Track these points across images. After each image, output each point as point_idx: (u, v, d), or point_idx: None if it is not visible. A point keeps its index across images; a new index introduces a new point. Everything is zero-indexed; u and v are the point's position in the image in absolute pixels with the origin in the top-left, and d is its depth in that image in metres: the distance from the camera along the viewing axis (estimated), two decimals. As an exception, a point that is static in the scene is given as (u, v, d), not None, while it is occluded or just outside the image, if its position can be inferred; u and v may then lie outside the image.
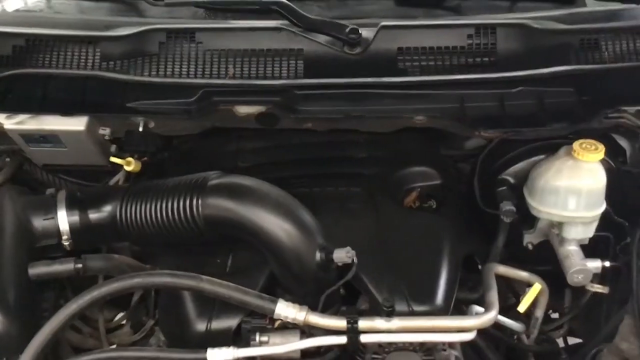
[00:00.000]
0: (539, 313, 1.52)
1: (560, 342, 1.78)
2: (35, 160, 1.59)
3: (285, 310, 1.16)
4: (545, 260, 1.53)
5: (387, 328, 1.17)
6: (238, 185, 1.29)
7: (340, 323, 1.17)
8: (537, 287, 1.43)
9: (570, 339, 1.80)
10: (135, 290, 1.39)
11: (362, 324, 1.17)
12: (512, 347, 1.56)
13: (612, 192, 1.48)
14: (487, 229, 1.54)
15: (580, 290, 1.62)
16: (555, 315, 1.75)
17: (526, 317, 1.57)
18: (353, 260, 1.19)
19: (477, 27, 1.47)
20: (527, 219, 1.53)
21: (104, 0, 1.70)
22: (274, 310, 1.16)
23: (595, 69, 1.45)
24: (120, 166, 1.55)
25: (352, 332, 1.17)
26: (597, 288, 1.53)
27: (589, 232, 1.42)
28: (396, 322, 1.17)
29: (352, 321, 1.17)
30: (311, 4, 1.61)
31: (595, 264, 1.42)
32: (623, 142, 1.62)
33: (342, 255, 1.19)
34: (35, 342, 1.13)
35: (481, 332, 1.41)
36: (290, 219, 1.23)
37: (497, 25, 1.48)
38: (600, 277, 1.53)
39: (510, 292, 1.64)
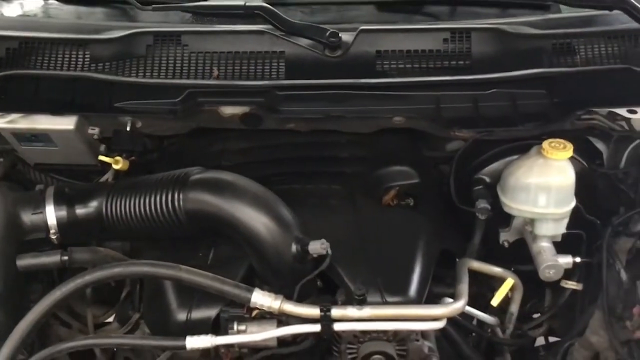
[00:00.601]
0: (514, 308, 1.56)
1: (542, 341, 1.82)
2: (27, 159, 1.64)
3: (261, 298, 1.20)
4: (526, 261, 1.58)
5: (359, 316, 1.21)
6: (218, 180, 1.34)
7: (314, 311, 1.21)
8: (509, 282, 1.47)
9: (551, 338, 1.84)
10: (116, 279, 1.43)
11: (335, 312, 1.21)
12: (490, 342, 1.60)
13: (586, 193, 1.53)
14: (465, 227, 1.59)
15: (558, 290, 1.67)
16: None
17: (503, 314, 1.61)
18: (327, 251, 1.23)
19: (453, 31, 1.53)
20: (503, 218, 1.58)
21: (95, 5, 1.75)
22: (249, 299, 1.20)
23: (565, 71, 1.51)
24: (109, 165, 1.60)
25: (325, 320, 1.21)
26: (571, 285, 1.58)
27: (560, 228, 1.46)
28: (368, 311, 1.22)
29: (325, 309, 1.21)
30: (295, 9, 1.67)
31: (566, 260, 1.46)
32: (600, 145, 1.67)
33: (317, 246, 1.24)
34: (20, 327, 1.18)
35: (456, 325, 1.46)
36: (267, 213, 1.28)
37: (471, 30, 1.53)
38: (574, 274, 1.58)
39: (490, 291, 1.69)
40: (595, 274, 1.50)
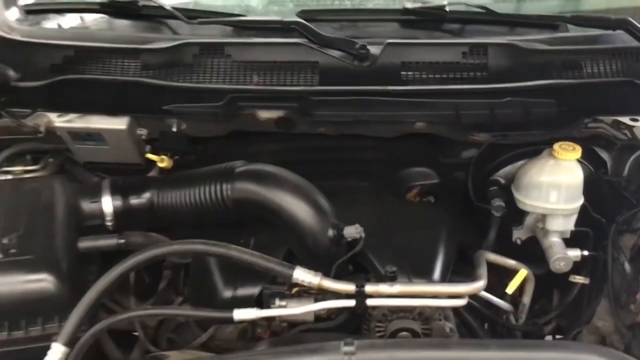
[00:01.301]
0: (526, 299, 1.69)
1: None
2: (78, 158, 1.78)
3: (302, 275, 1.33)
4: (535, 262, 1.71)
5: (390, 292, 1.34)
6: (261, 171, 1.49)
7: (349, 287, 1.35)
8: (523, 272, 1.60)
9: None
10: (173, 255, 1.55)
11: (369, 288, 1.34)
12: (503, 330, 1.72)
13: (592, 195, 1.68)
14: (480, 224, 1.73)
15: (566, 288, 1.80)
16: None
17: (515, 307, 1.74)
18: (361, 235, 1.37)
19: (472, 46, 1.69)
20: (516, 217, 1.72)
21: (143, 20, 1.92)
22: (292, 275, 1.33)
23: (572, 83, 1.66)
24: (154, 163, 1.75)
25: (360, 295, 1.34)
26: (579, 279, 1.71)
27: (569, 224, 1.60)
28: (398, 287, 1.34)
29: (359, 285, 1.35)
30: (326, 25, 1.83)
31: (575, 253, 1.60)
32: (604, 155, 1.81)
33: (352, 231, 1.38)
34: (84, 301, 1.30)
35: (472, 311, 1.59)
36: (306, 200, 1.43)
37: (488, 45, 1.69)
38: (582, 269, 1.71)
39: (503, 287, 1.82)
40: (601, 268, 1.64)
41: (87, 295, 1.31)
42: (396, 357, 1.11)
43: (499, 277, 1.71)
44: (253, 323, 1.49)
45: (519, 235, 1.72)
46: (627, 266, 1.56)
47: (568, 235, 1.64)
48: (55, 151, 1.80)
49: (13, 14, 1.94)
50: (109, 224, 1.55)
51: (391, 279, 1.35)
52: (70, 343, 1.25)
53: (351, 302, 1.34)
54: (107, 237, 1.51)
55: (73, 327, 1.27)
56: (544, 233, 1.63)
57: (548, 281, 1.76)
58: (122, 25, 1.94)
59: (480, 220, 1.73)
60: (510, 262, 1.64)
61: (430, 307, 1.42)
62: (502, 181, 1.72)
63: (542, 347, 1.22)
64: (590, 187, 1.65)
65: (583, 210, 1.63)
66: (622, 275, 1.57)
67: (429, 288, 1.39)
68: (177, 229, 1.58)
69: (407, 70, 1.67)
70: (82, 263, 1.48)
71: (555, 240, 1.61)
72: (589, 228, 1.67)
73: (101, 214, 1.55)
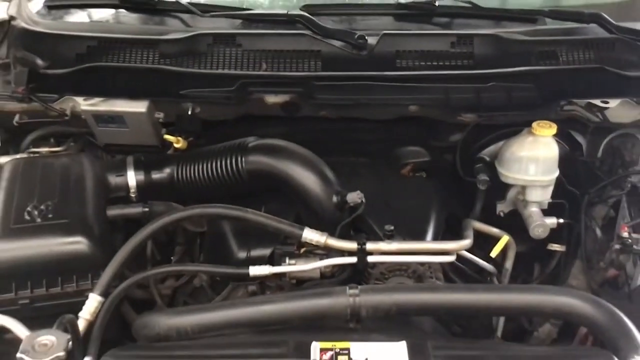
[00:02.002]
0: (508, 264, 1.86)
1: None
2: (99, 140, 1.93)
3: (310, 234, 1.50)
4: (518, 242, 1.89)
5: (388, 249, 1.52)
6: (273, 145, 1.66)
7: (352, 245, 1.52)
8: (505, 238, 1.78)
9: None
10: (194, 218, 1.72)
11: (369, 245, 1.52)
12: None
13: (568, 172, 1.86)
14: (468, 199, 1.91)
15: (545, 261, 1.98)
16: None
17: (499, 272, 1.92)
18: (362, 200, 1.55)
19: (459, 36, 1.87)
20: (500, 193, 1.91)
21: (160, 14, 2.09)
22: (302, 235, 1.50)
23: (549, 69, 1.85)
24: (169, 145, 1.92)
25: (361, 252, 1.51)
26: (556, 247, 1.89)
27: (546, 195, 1.78)
28: (395, 245, 1.52)
29: (361, 243, 1.52)
30: (327, 18, 2.00)
31: (551, 220, 1.78)
32: (580, 139, 2.00)
33: (354, 196, 1.56)
34: (117, 258, 1.47)
35: (458, 272, 1.76)
36: (313, 170, 1.61)
37: (474, 35, 1.88)
38: (558, 238, 1.89)
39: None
40: (576, 235, 1.82)
41: (119, 252, 1.47)
42: (395, 298, 1.29)
43: (484, 252, 1.89)
44: (263, 285, 1.66)
45: (502, 208, 1.90)
46: (598, 232, 1.74)
47: (546, 206, 1.82)
48: (77, 135, 1.97)
49: (37, 9, 2.11)
50: (132, 195, 1.72)
51: (389, 237, 1.52)
52: (104, 294, 1.42)
53: (353, 259, 1.52)
54: (132, 205, 1.68)
55: (108, 279, 1.43)
56: (524, 204, 1.81)
57: (529, 257, 1.95)
58: (139, 18, 2.11)
59: (467, 195, 1.91)
60: (494, 230, 1.81)
61: (422, 266, 1.59)
62: (487, 159, 1.90)
63: (524, 290, 1.40)
64: (566, 165, 1.83)
65: (559, 184, 1.82)
66: (594, 241, 1.76)
67: (422, 245, 1.56)
68: (195, 202, 1.75)
69: (401, 58, 1.85)
70: (110, 230, 1.65)
71: (534, 210, 1.79)
72: (564, 200, 1.85)
73: (126, 187, 1.72)
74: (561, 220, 1.79)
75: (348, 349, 1.18)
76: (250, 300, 1.46)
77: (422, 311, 1.36)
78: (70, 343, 1.19)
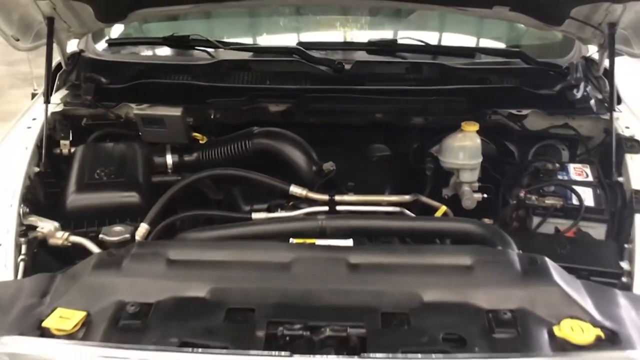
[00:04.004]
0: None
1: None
2: (144, 138, 2.56)
3: (295, 189, 2.12)
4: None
5: (351, 200, 2.13)
6: (271, 131, 2.32)
7: (325, 197, 2.13)
8: (443, 208, 2.37)
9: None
10: (215, 178, 2.32)
11: (338, 197, 2.13)
12: None
13: (493, 163, 2.48)
14: (419, 185, 2.53)
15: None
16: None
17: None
18: (333, 168, 2.18)
19: (412, 64, 2.55)
20: (444, 181, 2.52)
21: (191, 49, 2.79)
22: (289, 189, 2.13)
23: (478, 87, 2.51)
24: (197, 140, 2.57)
25: (332, 203, 2.12)
26: (486, 220, 2.48)
27: (474, 176, 2.38)
28: (355, 197, 2.14)
29: (331, 195, 2.13)
30: (315, 51, 2.69)
31: (477, 195, 2.37)
32: (512, 147, 2.64)
33: (328, 165, 2.19)
34: (160, 201, 2.09)
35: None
36: (299, 148, 2.25)
37: (423, 63, 2.56)
38: (488, 213, 2.48)
39: None
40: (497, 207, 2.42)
41: (160, 199, 2.10)
42: (352, 223, 1.90)
43: None
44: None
45: (446, 192, 2.50)
46: (511, 203, 2.34)
47: (476, 188, 2.43)
48: (127, 136, 2.63)
49: (101, 46, 2.84)
50: (169, 171, 2.37)
51: (350, 190, 2.14)
52: (152, 224, 2.03)
53: (325, 208, 2.13)
54: (169, 175, 2.32)
55: (153, 215, 2.05)
56: (459, 185, 2.42)
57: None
58: (175, 51, 2.82)
59: (419, 182, 2.53)
60: (436, 203, 2.41)
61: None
62: (434, 154, 2.53)
63: (440, 219, 2.00)
64: (490, 156, 2.46)
65: (485, 171, 2.43)
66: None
67: (379, 197, 2.18)
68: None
69: (369, 78, 2.52)
70: (154, 191, 2.28)
71: (466, 188, 2.39)
72: (491, 184, 2.46)
73: (165, 165, 2.37)
74: (485, 195, 2.39)
75: (314, 242, 1.80)
76: (254, 222, 2.07)
77: (365, 232, 1.95)
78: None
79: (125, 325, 1.48)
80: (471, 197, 2.37)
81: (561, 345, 1.44)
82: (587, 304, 1.54)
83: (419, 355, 1.37)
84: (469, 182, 2.40)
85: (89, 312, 1.51)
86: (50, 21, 2.40)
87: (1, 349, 1.41)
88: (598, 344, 1.45)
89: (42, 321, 1.48)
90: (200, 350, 1.38)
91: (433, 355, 1.37)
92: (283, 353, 1.35)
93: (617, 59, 2.51)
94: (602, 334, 1.46)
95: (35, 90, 2.71)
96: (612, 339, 1.47)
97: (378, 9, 2.95)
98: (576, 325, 1.48)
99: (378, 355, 1.36)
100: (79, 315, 1.51)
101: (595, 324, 1.48)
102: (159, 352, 1.39)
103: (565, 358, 1.44)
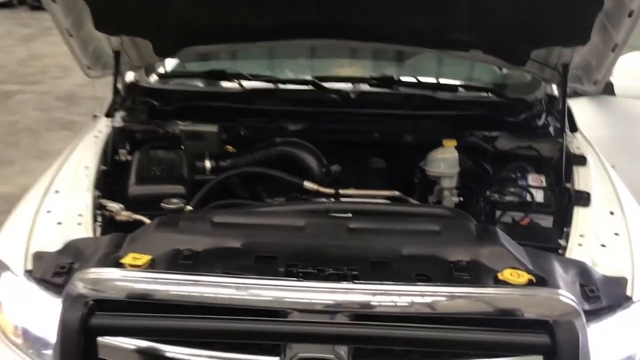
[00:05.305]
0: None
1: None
2: (186, 150, 3.18)
3: (308, 184, 2.70)
4: None
5: (351, 193, 2.70)
6: (290, 140, 2.91)
7: (332, 190, 2.70)
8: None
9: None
10: (243, 174, 2.91)
11: (341, 191, 2.70)
12: None
13: (469, 176, 3.04)
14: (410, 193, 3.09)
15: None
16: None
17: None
18: (339, 169, 2.76)
19: (405, 94, 3.17)
20: (430, 189, 3.08)
21: (226, 81, 3.44)
22: (303, 184, 2.71)
23: (456, 114, 3.10)
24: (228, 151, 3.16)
25: (336, 195, 2.69)
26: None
27: (453, 183, 2.95)
28: (356, 191, 2.71)
29: (336, 189, 2.70)
30: (327, 83, 3.31)
31: (455, 199, 2.93)
32: (488, 167, 3.21)
33: (335, 167, 2.78)
34: (202, 191, 2.68)
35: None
36: (312, 153, 2.84)
37: (414, 95, 3.17)
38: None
39: None
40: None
41: (201, 189, 2.69)
42: (349, 206, 2.46)
43: None
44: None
45: (431, 199, 3.06)
46: (481, 204, 2.89)
47: (455, 193, 2.98)
48: (173, 148, 3.23)
49: (153, 78, 3.49)
50: (207, 173, 2.96)
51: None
52: (194, 207, 2.61)
53: (332, 199, 2.70)
54: (208, 175, 2.91)
55: (196, 201, 2.63)
56: (441, 191, 2.98)
57: None
58: (209, 82, 3.47)
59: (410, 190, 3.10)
60: (413, 201, 2.96)
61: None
62: (422, 166, 3.10)
63: (421, 205, 2.56)
64: (467, 170, 3.03)
65: (463, 180, 3.00)
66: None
67: (373, 192, 2.74)
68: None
69: (370, 105, 3.13)
70: (197, 187, 2.85)
71: (446, 193, 2.96)
72: (467, 191, 3.02)
73: (204, 168, 2.96)
74: (461, 199, 2.94)
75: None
76: (277, 203, 2.64)
77: (359, 213, 2.49)
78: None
79: (180, 263, 2.03)
80: (450, 200, 2.93)
81: (501, 284, 1.97)
82: (526, 260, 2.08)
83: (393, 283, 1.90)
84: (449, 187, 2.96)
85: (154, 257, 2.06)
86: (116, 54, 3.04)
87: (89, 276, 1.95)
88: (529, 285, 1.98)
89: (118, 260, 2.03)
90: (237, 275, 1.92)
91: (402, 283, 1.91)
92: (296, 279, 1.90)
93: (581, 102, 3.12)
94: (533, 279, 1.98)
95: (96, 113, 3.34)
96: (541, 282, 2.00)
97: (380, 53, 3.58)
98: (514, 272, 2.00)
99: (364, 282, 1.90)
100: (147, 257, 2.05)
101: (529, 272, 2.01)
102: (206, 277, 1.93)
103: (501, 289, 1.96)
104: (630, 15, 2.44)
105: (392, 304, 1.83)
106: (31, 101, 9.32)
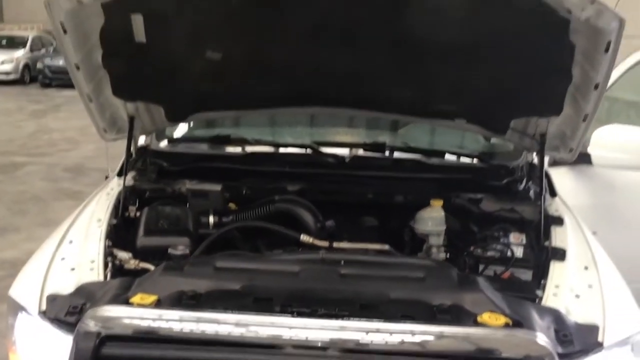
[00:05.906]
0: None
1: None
2: (191, 207, 3.39)
3: (304, 237, 2.90)
4: None
5: (344, 246, 2.90)
6: (288, 198, 3.13)
7: (325, 243, 2.90)
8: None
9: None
10: (244, 226, 3.11)
11: (335, 244, 2.90)
12: None
13: (454, 233, 3.25)
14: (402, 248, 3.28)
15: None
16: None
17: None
18: (333, 224, 2.98)
19: (395, 159, 3.42)
20: (420, 246, 3.28)
21: (230, 145, 3.71)
22: (300, 237, 2.91)
23: (443, 177, 3.35)
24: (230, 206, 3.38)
25: (330, 247, 2.89)
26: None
27: (439, 241, 3.15)
28: (348, 244, 2.90)
29: (331, 242, 2.90)
30: (324, 147, 3.58)
31: (442, 254, 3.13)
32: (474, 227, 3.43)
33: (329, 223, 2.99)
34: (204, 244, 2.88)
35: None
36: (309, 210, 3.06)
37: (404, 159, 3.43)
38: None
39: None
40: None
41: (205, 241, 2.90)
42: (341, 256, 2.66)
43: None
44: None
45: (421, 255, 3.26)
46: (466, 259, 3.09)
47: (442, 250, 3.17)
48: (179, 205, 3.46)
49: (163, 143, 3.77)
50: (210, 228, 3.17)
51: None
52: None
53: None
54: (212, 230, 3.12)
55: (200, 251, 2.84)
56: (429, 248, 3.18)
57: None
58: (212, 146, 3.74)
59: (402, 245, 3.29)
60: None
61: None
62: (411, 225, 3.31)
63: (409, 258, 2.76)
64: (452, 227, 3.24)
65: (450, 238, 3.20)
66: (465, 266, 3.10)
67: (366, 246, 2.93)
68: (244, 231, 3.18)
69: (364, 168, 3.38)
70: (200, 239, 3.06)
71: (434, 249, 3.15)
72: (453, 248, 3.22)
73: (208, 223, 3.17)
74: (448, 255, 3.14)
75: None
76: (275, 254, 2.84)
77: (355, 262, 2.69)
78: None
79: (184, 303, 2.23)
80: (437, 256, 3.12)
81: (481, 326, 2.16)
82: (504, 305, 2.27)
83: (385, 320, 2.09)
84: (436, 245, 3.17)
85: (160, 297, 2.26)
86: (131, 119, 3.32)
87: (99, 313, 2.15)
88: (506, 327, 2.16)
89: (127, 300, 2.23)
90: (236, 312, 2.12)
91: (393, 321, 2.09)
92: (290, 315, 2.09)
93: (561, 171, 3.37)
94: (510, 322, 2.17)
95: (107, 175, 3.60)
96: (517, 325, 2.18)
97: (375, 122, 3.87)
98: (493, 315, 2.20)
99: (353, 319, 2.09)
100: (153, 297, 2.25)
101: (506, 316, 2.19)
102: (206, 313, 2.12)
103: (484, 330, 2.14)
104: (596, 87, 2.71)
105: (384, 342, 2.03)
106: (39, 172, 9.67)
